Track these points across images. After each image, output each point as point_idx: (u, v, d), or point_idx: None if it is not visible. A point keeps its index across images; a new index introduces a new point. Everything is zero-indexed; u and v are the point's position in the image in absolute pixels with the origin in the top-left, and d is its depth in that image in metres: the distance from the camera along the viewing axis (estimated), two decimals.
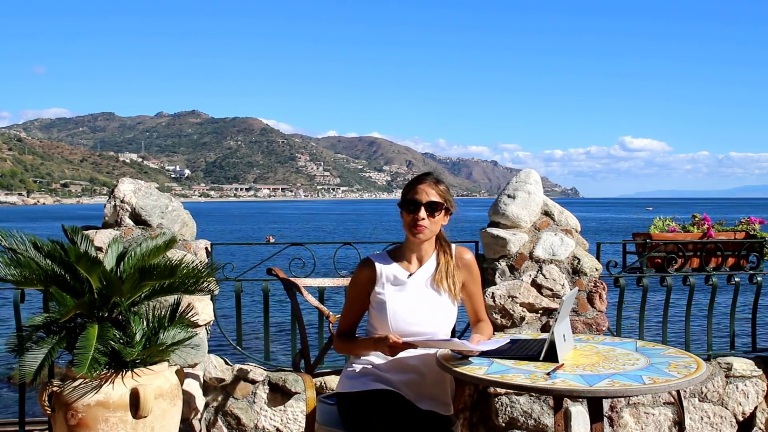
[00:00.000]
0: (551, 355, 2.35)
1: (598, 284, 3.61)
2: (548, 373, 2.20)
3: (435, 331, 2.57)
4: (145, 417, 2.77)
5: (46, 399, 2.81)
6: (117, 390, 2.74)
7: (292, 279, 3.03)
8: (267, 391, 3.67)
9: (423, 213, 2.56)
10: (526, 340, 2.72)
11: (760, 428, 3.87)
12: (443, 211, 2.61)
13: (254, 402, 3.66)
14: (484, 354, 2.44)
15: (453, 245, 2.73)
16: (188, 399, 3.39)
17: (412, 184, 2.63)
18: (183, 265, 2.97)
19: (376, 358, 2.60)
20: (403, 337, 2.46)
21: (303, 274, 3.45)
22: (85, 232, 3.16)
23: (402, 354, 2.51)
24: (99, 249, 3.26)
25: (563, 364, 2.30)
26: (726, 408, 3.84)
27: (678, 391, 2.58)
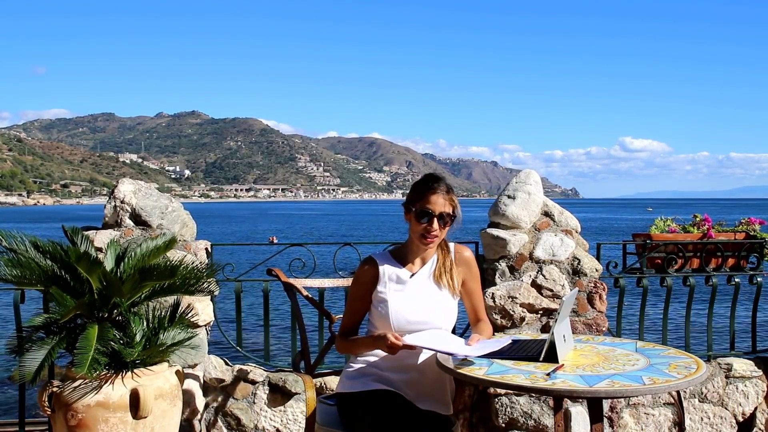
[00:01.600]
0: (551, 356, 2.35)
1: (598, 285, 3.61)
2: (548, 374, 2.20)
3: (437, 329, 2.58)
4: (145, 417, 2.77)
5: (46, 399, 2.81)
6: (117, 390, 2.75)
7: (291, 280, 3.04)
8: (267, 392, 3.67)
9: (436, 225, 2.55)
10: (526, 341, 2.73)
11: (760, 429, 3.87)
12: (453, 221, 2.62)
13: (254, 402, 3.66)
14: (484, 354, 2.44)
15: (452, 243, 2.74)
16: (188, 399, 3.39)
17: (423, 191, 2.59)
18: (183, 266, 2.97)
19: (376, 358, 2.60)
20: (404, 335, 2.46)
21: (303, 275, 3.45)
22: (85, 233, 3.17)
23: (402, 353, 2.52)
24: (99, 249, 3.26)
25: (563, 365, 2.30)
26: (726, 408, 3.84)
27: (678, 392, 2.58)
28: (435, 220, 2.55)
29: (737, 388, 3.86)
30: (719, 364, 3.88)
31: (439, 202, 2.56)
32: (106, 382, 2.74)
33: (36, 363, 2.68)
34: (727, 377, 3.86)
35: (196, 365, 3.50)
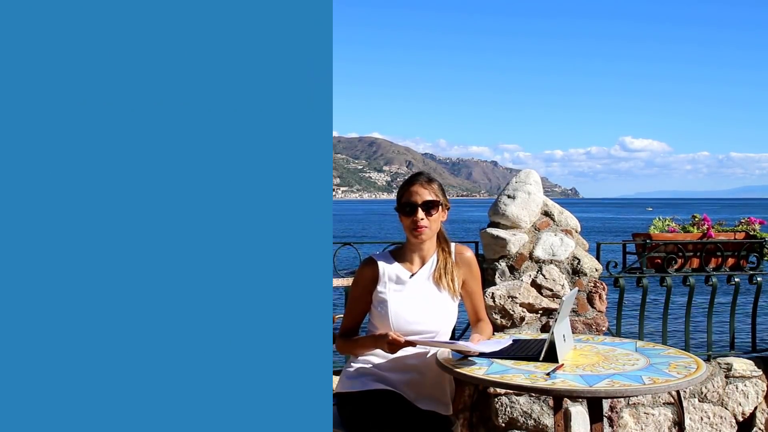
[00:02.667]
0: (551, 356, 2.35)
1: (598, 284, 3.61)
2: (548, 374, 2.20)
3: (436, 330, 2.58)
4: None
5: None
6: None
7: None
8: None
9: (421, 214, 2.56)
10: (526, 340, 2.73)
11: (759, 429, 3.88)
12: (440, 208, 2.61)
13: None
14: (483, 354, 2.45)
15: (453, 243, 2.74)
16: None
17: (404, 187, 2.64)
18: None
19: (376, 358, 2.60)
20: (404, 336, 2.46)
21: None
22: None
23: (402, 354, 2.52)
24: None
25: (563, 365, 2.30)
26: (726, 408, 3.85)
27: (678, 392, 2.58)
28: (419, 209, 2.56)
29: (737, 388, 3.86)
30: (719, 363, 3.89)
31: (420, 192, 2.58)
32: None
33: None
34: (727, 377, 3.87)
35: None
